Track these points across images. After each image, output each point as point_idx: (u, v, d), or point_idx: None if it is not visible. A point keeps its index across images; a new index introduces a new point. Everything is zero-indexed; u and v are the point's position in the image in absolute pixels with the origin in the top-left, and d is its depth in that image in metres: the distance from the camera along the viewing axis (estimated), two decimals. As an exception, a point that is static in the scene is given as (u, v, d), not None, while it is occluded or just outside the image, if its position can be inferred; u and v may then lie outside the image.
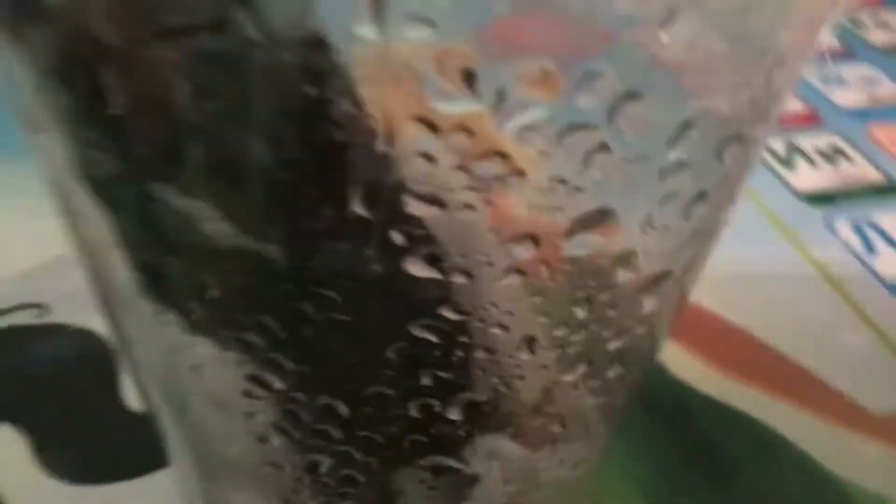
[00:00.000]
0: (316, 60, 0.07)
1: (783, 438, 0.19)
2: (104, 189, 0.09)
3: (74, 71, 0.08)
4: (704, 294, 0.22)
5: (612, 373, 0.10)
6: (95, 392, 0.20)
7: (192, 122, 0.08)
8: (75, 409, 0.19)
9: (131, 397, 0.19)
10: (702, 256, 0.10)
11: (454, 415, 0.10)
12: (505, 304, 0.08)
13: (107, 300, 0.12)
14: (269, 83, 0.07)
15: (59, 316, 0.21)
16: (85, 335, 0.21)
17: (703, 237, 0.09)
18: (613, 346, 0.10)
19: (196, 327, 0.10)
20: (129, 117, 0.08)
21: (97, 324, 0.21)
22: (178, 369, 0.11)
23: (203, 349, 0.10)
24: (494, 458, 0.11)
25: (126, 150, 0.08)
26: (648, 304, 0.09)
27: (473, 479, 0.11)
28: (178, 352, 0.11)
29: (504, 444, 0.11)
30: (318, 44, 0.07)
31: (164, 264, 0.10)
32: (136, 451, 0.18)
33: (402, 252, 0.08)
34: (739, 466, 0.18)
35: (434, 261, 0.08)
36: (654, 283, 0.09)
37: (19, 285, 0.22)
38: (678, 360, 0.20)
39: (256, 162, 0.08)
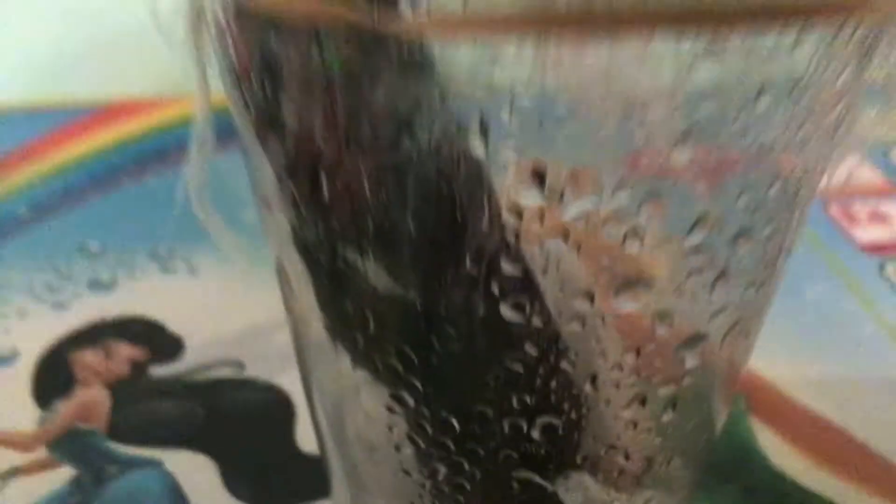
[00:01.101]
0: (447, 167, 0.11)
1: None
2: (309, 252, 0.14)
3: (298, 169, 0.13)
4: (810, 395, 0.23)
5: (666, 418, 0.13)
6: (276, 435, 0.24)
7: (372, 206, 0.12)
8: (258, 447, 0.24)
9: (304, 441, 0.24)
10: (742, 331, 0.13)
11: (536, 434, 0.13)
12: (571, 344, 0.12)
13: (300, 348, 0.16)
14: (419, 181, 0.11)
15: (252, 372, 0.26)
16: (271, 389, 0.25)
17: (736, 310, 0.12)
18: (663, 392, 0.12)
19: (358, 357, 0.14)
20: (331, 202, 0.12)
21: (282, 381, 0.26)
22: (344, 391, 0.15)
23: (361, 374, 0.14)
24: (572, 481, 0.14)
25: (327, 224, 0.13)
26: (690, 361, 0.12)
27: (557, 499, 0.14)
28: (345, 377, 0.15)
29: (583, 476, 0.14)
30: (450, 158, 0.11)
31: (343, 307, 0.14)
32: (303, 482, 0.22)
33: (497, 300, 0.11)
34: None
35: (519, 307, 0.11)
36: (691, 341, 0.12)
37: (224, 346, 0.27)
38: (779, 452, 0.22)
39: (408, 234, 0.12)
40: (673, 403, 0.13)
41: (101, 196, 0.36)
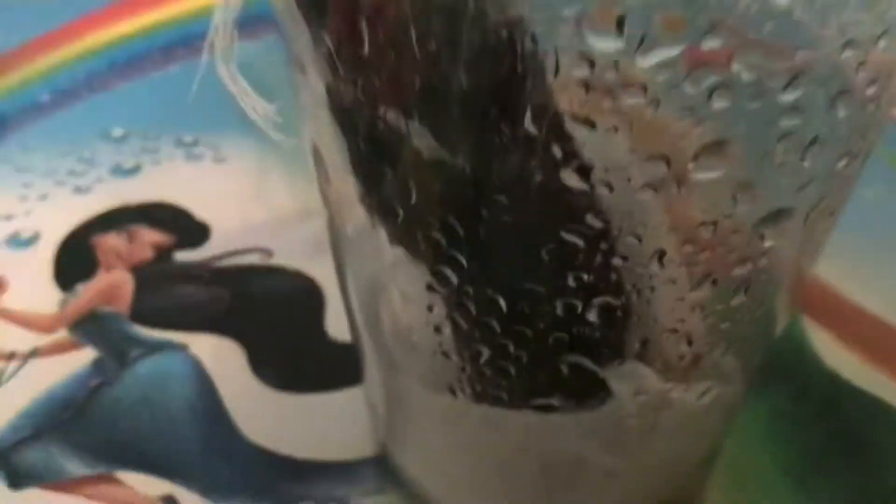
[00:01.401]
0: (508, 9, 0.10)
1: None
2: (346, 116, 0.12)
3: (336, 22, 0.11)
4: (865, 295, 0.22)
5: (737, 301, 0.12)
6: (304, 322, 0.23)
7: (418, 59, 0.11)
8: (286, 333, 0.23)
9: (334, 329, 0.23)
10: (826, 209, 0.11)
11: (592, 316, 0.12)
12: (639, 216, 0.11)
13: (334, 230, 0.15)
14: (475, 29, 0.10)
15: (279, 260, 0.25)
16: (299, 276, 0.25)
17: (823, 184, 0.11)
18: (737, 272, 0.11)
19: (398, 233, 0.13)
20: (371, 57, 0.11)
21: (311, 268, 0.25)
22: (381, 271, 0.14)
23: (400, 252, 0.13)
24: (626, 368, 0.13)
25: (367, 82, 0.11)
26: (770, 238, 0.11)
27: (606, 386, 0.13)
28: (382, 256, 0.14)
29: (638, 364, 0.13)
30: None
31: (382, 177, 0.12)
32: (333, 369, 0.22)
33: (558, 164, 0.10)
34: (882, 456, 0.18)
35: (583, 173, 0.10)
36: (774, 217, 0.11)
37: (253, 233, 0.26)
38: (832, 352, 0.21)
39: (458, 89, 0.10)
40: (746, 286, 0.12)
41: (125, 83, 0.35)
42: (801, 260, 0.12)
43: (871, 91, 0.10)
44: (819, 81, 0.10)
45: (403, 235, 0.13)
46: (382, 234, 0.13)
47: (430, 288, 0.13)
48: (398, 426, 0.18)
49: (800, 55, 0.09)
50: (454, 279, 0.12)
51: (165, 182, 0.29)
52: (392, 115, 0.11)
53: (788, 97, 0.09)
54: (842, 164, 0.11)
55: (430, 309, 0.13)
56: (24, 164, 0.30)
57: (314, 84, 0.12)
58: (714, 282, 0.11)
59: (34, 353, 0.22)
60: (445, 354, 0.14)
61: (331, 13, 0.11)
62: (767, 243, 0.11)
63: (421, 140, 0.11)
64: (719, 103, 0.09)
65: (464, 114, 0.11)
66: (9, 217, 0.27)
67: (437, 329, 0.13)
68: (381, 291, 0.15)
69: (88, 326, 0.23)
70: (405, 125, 0.11)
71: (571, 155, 0.10)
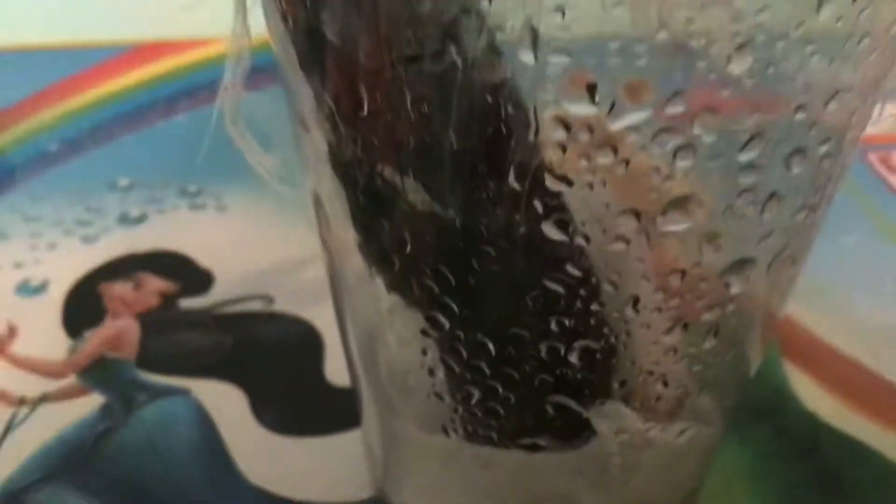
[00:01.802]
0: (493, 77, 0.11)
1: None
2: (346, 172, 0.13)
3: (339, 84, 0.12)
4: (844, 340, 0.23)
5: (708, 344, 0.13)
6: (304, 367, 0.24)
7: (412, 119, 0.12)
8: (286, 378, 0.24)
9: (332, 374, 0.24)
10: (789, 258, 0.12)
11: (574, 358, 0.13)
12: (614, 265, 0.11)
13: (334, 276, 0.16)
14: (463, 92, 0.11)
15: (280, 306, 0.26)
16: (300, 322, 0.26)
17: (784, 235, 0.12)
18: (707, 317, 0.12)
19: (394, 280, 0.14)
20: (371, 116, 0.12)
21: (311, 315, 0.26)
22: (378, 316, 0.15)
23: (396, 299, 0.14)
24: (607, 407, 0.13)
25: (365, 141, 0.12)
26: (736, 285, 0.12)
27: (590, 426, 0.14)
28: (379, 302, 0.14)
29: (618, 404, 0.14)
30: (495, 66, 0.11)
31: (379, 228, 0.13)
32: (332, 413, 0.22)
33: (540, 217, 0.11)
34: (860, 494, 0.19)
35: (563, 225, 0.11)
36: (738, 266, 0.12)
37: (253, 280, 0.27)
38: (812, 394, 0.21)
39: (449, 148, 0.11)
40: (715, 330, 0.12)
41: (130, 134, 0.37)
42: (769, 304, 0.13)
43: (823, 149, 0.11)
44: (774, 142, 0.11)
45: (399, 283, 0.14)
46: (380, 282, 0.14)
47: (424, 332, 0.14)
48: (394, 466, 0.19)
49: (754, 118, 0.10)
50: (446, 324, 0.13)
51: (170, 231, 0.30)
52: (388, 171, 0.12)
53: (746, 157, 0.11)
54: (801, 216, 0.12)
55: (424, 352, 0.14)
56: (33, 214, 0.31)
57: (317, 140, 0.13)
58: (685, 326, 0.12)
59: (44, 399, 0.23)
60: (439, 396, 0.14)
61: (331, 77, 0.13)
62: (734, 290, 0.12)
63: (415, 194, 0.12)
64: (683, 163, 0.10)
65: (454, 171, 0.12)
66: (19, 265, 0.28)
67: (431, 371, 0.14)
68: (379, 336, 0.15)
69: (96, 372, 0.24)
70: (401, 180, 0.12)
71: (552, 209, 0.11)
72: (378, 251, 0.14)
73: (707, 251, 0.11)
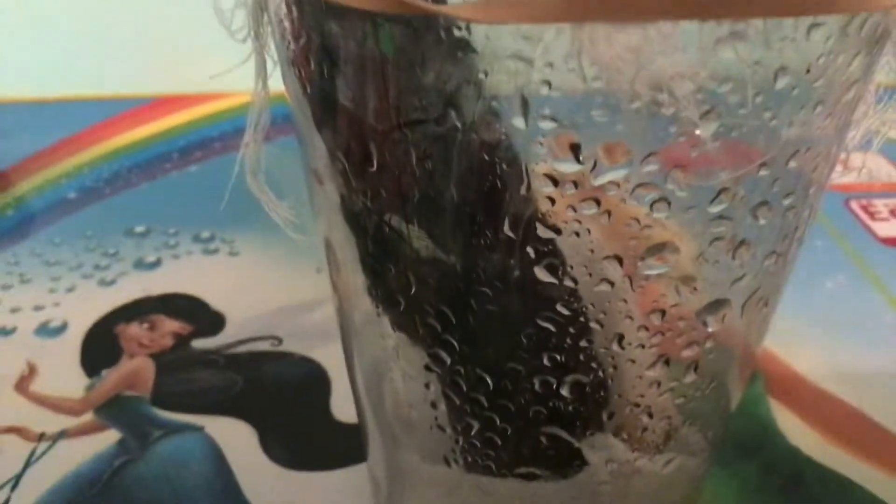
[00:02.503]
0: (489, 138, 0.12)
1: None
2: (357, 221, 0.15)
3: (350, 143, 0.14)
4: (829, 380, 0.24)
5: (689, 378, 0.14)
6: (311, 404, 0.25)
7: (417, 174, 0.13)
8: (295, 415, 0.25)
9: (339, 411, 0.25)
10: (761, 299, 0.14)
11: (565, 391, 0.14)
12: (600, 305, 0.13)
13: (343, 317, 0.17)
14: (463, 151, 0.12)
15: (288, 347, 0.27)
16: (307, 362, 0.27)
17: (755, 278, 0.13)
18: (686, 353, 0.13)
19: (399, 320, 0.15)
20: (379, 173, 0.13)
21: (318, 355, 0.27)
22: (384, 353, 0.16)
23: (401, 337, 0.15)
24: (597, 439, 0.14)
25: (375, 193, 0.14)
26: (712, 324, 0.13)
27: (582, 456, 0.15)
28: (385, 340, 0.16)
29: (607, 436, 0.15)
30: (491, 129, 0.12)
31: (386, 272, 0.15)
32: (338, 448, 0.23)
33: (532, 262, 0.12)
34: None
35: (553, 269, 0.12)
36: (713, 306, 0.13)
37: (263, 322, 0.28)
38: (797, 431, 0.22)
39: (450, 200, 0.13)
40: (695, 365, 0.14)
41: (146, 182, 0.38)
42: (746, 342, 0.14)
43: (787, 202, 0.13)
44: (741, 196, 0.12)
45: (404, 322, 0.15)
46: (386, 321, 0.15)
47: (427, 368, 0.15)
48: (398, 497, 0.20)
49: (722, 175, 0.12)
50: (448, 360, 0.14)
51: (184, 275, 0.31)
52: (395, 220, 0.14)
53: (716, 209, 0.12)
54: (770, 261, 0.13)
55: (427, 386, 0.15)
56: (53, 258, 0.32)
57: (329, 192, 0.15)
58: (667, 361, 0.13)
59: (63, 435, 0.24)
60: (441, 428, 0.16)
61: (344, 136, 0.14)
62: (710, 328, 0.13)
63: (419, 241, 0.14)
64: (659, 214, 0.12)
65: (454, 220, 0.13)
66: (39, 308, 0.29)
67: (434, 405, 0.15)
68: (385, 372, 0.17)
69: (113, 410, 0.25)
70: (406, 229, 0.14)
71: (543, 254, 0.12)
72: (385, 293, 0.15)
73: (684, 293, 0.13)
